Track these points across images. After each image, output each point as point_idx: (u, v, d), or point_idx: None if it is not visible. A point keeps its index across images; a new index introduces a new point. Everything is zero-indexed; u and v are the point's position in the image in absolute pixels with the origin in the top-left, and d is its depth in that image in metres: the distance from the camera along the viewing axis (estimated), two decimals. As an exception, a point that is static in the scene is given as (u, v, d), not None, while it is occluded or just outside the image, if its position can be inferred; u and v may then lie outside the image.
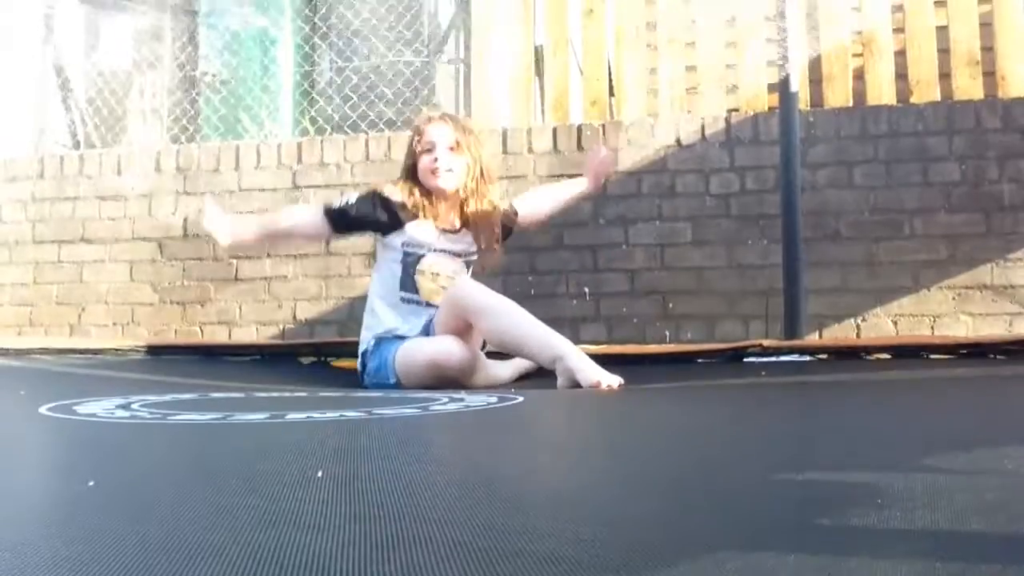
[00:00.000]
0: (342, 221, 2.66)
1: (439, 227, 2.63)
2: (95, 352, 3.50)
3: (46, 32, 4.69)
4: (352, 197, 2.67)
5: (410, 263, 2.59)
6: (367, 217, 2.63)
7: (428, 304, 2.58)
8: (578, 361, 2.27)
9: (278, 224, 2.85)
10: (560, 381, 2.29)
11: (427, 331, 2.54)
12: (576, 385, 2.23)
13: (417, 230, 2.61)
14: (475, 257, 2.70)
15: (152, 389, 2.26)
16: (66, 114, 4.73)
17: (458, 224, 2.67)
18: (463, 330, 2.47)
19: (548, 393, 2.25)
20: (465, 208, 2.65)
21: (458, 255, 2.66)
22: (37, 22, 4.68)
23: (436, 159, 2.58)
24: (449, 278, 2.60)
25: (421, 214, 2.61)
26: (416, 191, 2.62)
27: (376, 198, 2.63)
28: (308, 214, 2.81)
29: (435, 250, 2.61)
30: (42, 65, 4.68)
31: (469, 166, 2.63)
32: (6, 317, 4.08)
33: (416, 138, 2.65)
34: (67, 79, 4.72)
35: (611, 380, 2.20)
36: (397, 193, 2.64)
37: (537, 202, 2.96)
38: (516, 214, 2.83)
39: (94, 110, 4.69)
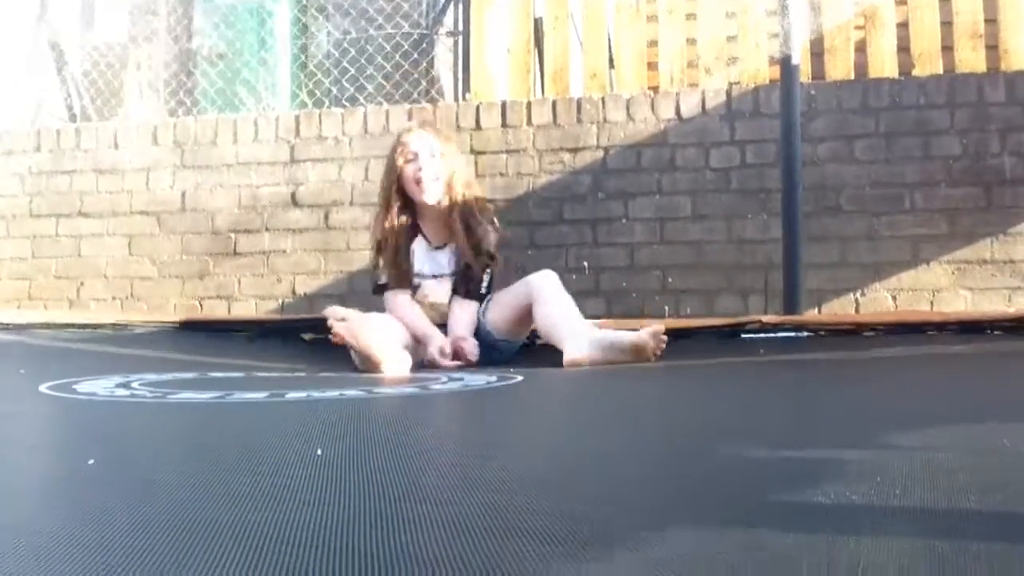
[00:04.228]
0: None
1: (428, 247, 2.62)
2: (95, 327, 3.50)
3: (41, 5, 4.64)
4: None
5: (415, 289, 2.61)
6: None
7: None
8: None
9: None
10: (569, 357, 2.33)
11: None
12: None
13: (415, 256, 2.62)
14: (454, 272, 2.62)
15: (152, 367, 2.26)
16: (62, 87, 4.69)
17: (442, 239, 2.62)
18: (520, 312, 2.53)
19: (546, 372, 2.26)
20: (451, 220, 2.59)
21: (443, 275, 2.62)
22: (32, -6, 4.63)
23: (420, 168, 2.53)
24: (442, 303, 2.61)
25: (399, 240, 2.57)
26: (401, 215, 2.58)
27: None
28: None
29: (427, 276, 2.61)
30: (37, 38, 4.64)
31: (454, 176, 2.60)
32: (5, 291, 4.07)
33: (398, 149, 2.58)
34: (63, 52, 4.68)
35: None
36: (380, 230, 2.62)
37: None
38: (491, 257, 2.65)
39: (90, 83, 4.66)
